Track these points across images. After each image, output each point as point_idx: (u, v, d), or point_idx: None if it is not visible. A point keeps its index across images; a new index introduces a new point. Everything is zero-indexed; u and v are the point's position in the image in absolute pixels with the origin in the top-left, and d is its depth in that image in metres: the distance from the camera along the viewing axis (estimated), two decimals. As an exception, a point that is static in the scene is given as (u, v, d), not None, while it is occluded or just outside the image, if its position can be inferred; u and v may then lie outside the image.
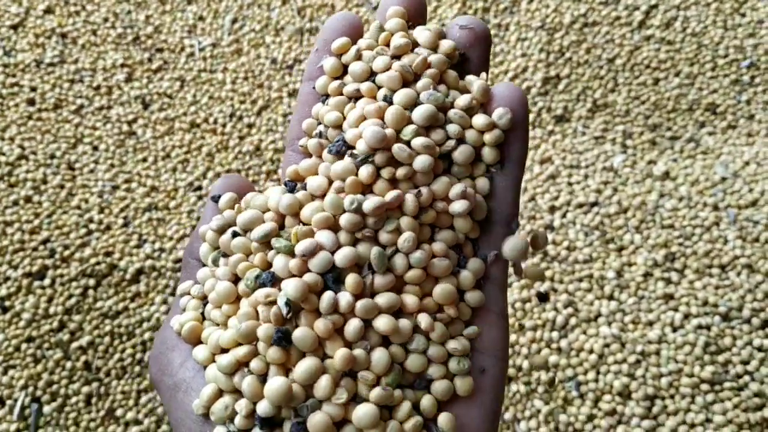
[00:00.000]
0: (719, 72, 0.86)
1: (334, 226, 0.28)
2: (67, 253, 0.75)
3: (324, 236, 0.28)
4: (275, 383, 0.26)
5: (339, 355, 0.26)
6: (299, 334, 0.26)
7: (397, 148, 0.28)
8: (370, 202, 0.27)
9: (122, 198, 0.80)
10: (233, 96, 0.89)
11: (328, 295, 0.27)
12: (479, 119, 0.29)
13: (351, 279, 0.27)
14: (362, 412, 0.26)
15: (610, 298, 0.71)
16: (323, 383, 0.26)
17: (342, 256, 0.27)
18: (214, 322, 0.29)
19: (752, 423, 0.63)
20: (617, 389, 0.65)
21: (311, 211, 0.28)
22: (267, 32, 0.94)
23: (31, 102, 0.86)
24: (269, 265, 0.28)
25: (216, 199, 0.31)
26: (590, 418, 0.65)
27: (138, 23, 0.94)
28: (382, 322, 0.27)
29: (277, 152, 0.85)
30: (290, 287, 0.26)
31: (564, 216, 0.77)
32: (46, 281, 0.73)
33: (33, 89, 0.87)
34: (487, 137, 0.29)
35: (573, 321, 0.70)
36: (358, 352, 0.27)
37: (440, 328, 0.28)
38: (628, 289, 0.71)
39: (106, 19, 0.94)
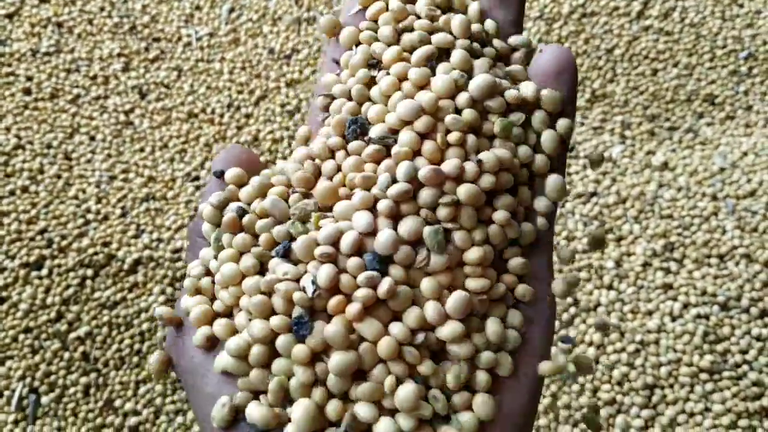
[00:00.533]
0: (717, 63, 0.86)
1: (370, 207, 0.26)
2: (64, 243, 0.74)
3: (362, 218, 0.25)
4: (301, 409, 0.24)
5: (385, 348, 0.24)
6: (332, 330, 0.24)
7: (451, 118, 0.26)
8: (426, 169, 0.25)
9: (120, 188, 0.80)
10: (231, 86, 0.88)
11: (365, 277, 0.24)
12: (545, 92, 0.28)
13: (397, 271, 0.25)
14: (404, 393, 0.24)
15: (610, 287, 0.71)
16: (365, 391, 0.24)
17: (383, 239, 0.25)
18: (224, 304, 0.27)
19: (751, 412, 0.63)
20: (616, 378, 0.66)
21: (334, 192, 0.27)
22: (264, 22, 0.94)
23: (27, 91, 0.85)
24: (277, 244, 0.27)
25: (219, 174, 0.29)
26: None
27: (134, 12, 0.93)
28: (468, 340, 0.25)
29: (275, 142, 0.84)
30: (323, 275, 0.24)
31: (563, 206, 0.77)
32: (44, 271, 0.73)
33: (29, 79, 0.86)
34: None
35: (572, 310, 0.70)
36: (413, 353, 0.25)
37: (518, 317, 0.26)
38: (627, 279, 0.71)
39: (102, 9, 0.93)
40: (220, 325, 0.27)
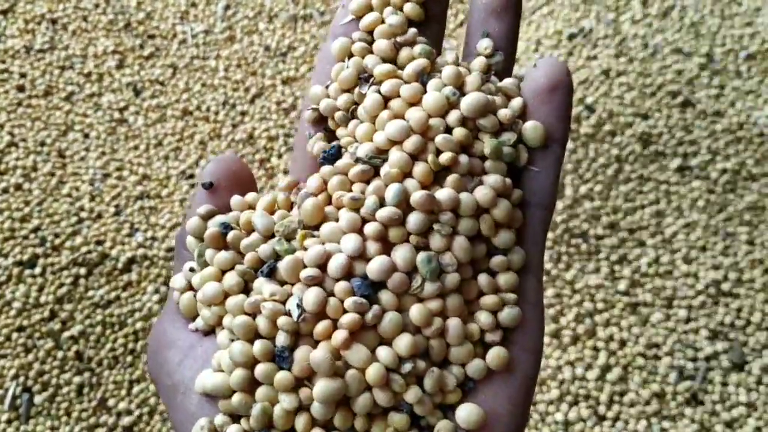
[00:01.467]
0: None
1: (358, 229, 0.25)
2: (57, 241, 0.74)
3: (351, 241, 0.25)
4: None
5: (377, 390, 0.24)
6: (318, 356, 0.24)
7: (442, 138, 0.26)
8: (419, 194, 0.24)
9: (114, 186, 0.79)
10: (226, 83, 0.88)
11: (352, 305, 0.24)
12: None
13: (388, 297, 0.25)
14: (399, 417, 0.25)
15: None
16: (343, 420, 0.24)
17: (377, 266, 0.24)
18: (206, 323, 0.27)
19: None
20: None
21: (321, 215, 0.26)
22: (260, 19, 0.93)
23: (20, 88, 0.85)
24: (262, 263, 0.26)
25: (207, 186, 0.28)
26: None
27: (129, 9, 0.92)
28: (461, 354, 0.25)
29: (271, 140, 0.84)
30: (310, 298, 0.24)
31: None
32: (37, 270, 0.72)
33: (23, 75, 0.86)
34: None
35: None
36: (399, 380, 0.24)
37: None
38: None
39: (96, 5, 0.92)
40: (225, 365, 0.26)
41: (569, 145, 0.78)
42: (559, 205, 0.75)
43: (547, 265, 0.72)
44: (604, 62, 0.83)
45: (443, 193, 0.25)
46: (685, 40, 0.87)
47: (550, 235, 0.73)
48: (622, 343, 0.68)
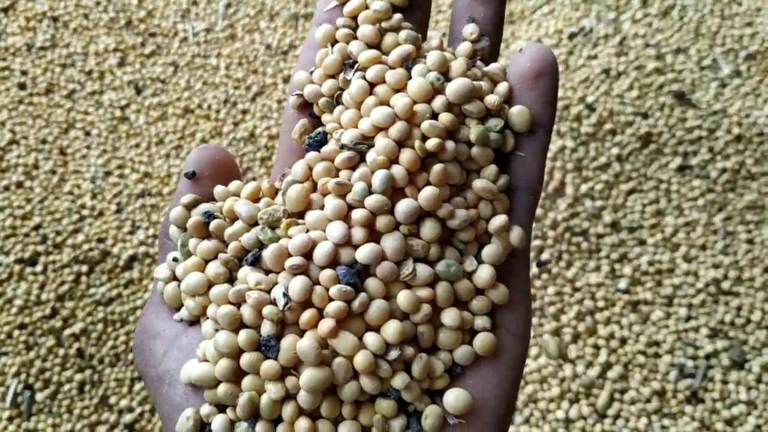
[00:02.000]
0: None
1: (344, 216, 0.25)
2: (59, 239, 0.74)
3: (337, 229, 0.25)
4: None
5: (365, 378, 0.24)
6: (304, 345, 0.23)
7: (428, 124, 0.25)
8: (406, 203, 0.25)
9: (115, 184, 0.79)
10: (227, 82, 0.88)
11: (350, 295, 0.24)
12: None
13: (375, 285, 0.25)
14: (386, 404, 0.25)
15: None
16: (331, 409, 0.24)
17: (367, 252, 0.24)
18: (190, 313, 0.27)
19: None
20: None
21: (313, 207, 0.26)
22: (261, 17, 0.93)
23: (22, 86, 0.85)
24: (246, 252, 0.26)
25: (190, 175, 0.28)
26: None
27: (131, 7, 0.93)
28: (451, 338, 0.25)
29: (272, 138, 0.84)
30: (295, 287, 0.24)
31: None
32: (38, 267, 0.72)
33: (24, 73, 0.86)
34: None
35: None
36: (386, 367, 0.24)
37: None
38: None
39: (98, 3, 0.92)
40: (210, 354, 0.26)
41: (570, 143, 0.78)
42: (560, 203, 0.75)
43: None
44: (605, 61, 0.83)
45: (426, 199, 0.25)
46: (685, 39, 0.87)
47: (551, 233, 0.73)
48: (623, 341, 0.68)
